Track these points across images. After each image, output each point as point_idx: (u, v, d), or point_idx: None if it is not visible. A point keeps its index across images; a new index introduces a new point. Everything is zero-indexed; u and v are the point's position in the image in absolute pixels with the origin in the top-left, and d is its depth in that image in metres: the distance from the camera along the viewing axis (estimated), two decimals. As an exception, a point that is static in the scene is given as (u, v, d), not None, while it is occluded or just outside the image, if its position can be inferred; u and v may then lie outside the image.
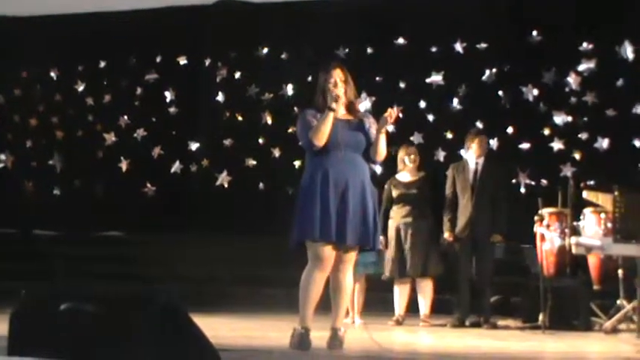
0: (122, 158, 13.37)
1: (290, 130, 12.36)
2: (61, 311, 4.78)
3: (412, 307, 9.28)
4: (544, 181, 11.28)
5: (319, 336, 6.47)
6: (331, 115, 6.35)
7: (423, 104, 12.10)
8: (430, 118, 12.08)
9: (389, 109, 6.40)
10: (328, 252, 6.37)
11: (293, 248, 6.49)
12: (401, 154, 9.52)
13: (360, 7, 12.18)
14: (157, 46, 13.39)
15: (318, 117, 6.43)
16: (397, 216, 9.30)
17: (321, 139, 6.36)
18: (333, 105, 6.36)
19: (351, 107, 6.57)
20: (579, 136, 11.38)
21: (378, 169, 11.11)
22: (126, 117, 13.49)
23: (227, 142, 12.96)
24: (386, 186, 9.46)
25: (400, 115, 11.35)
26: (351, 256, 6.52)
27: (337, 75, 6.50)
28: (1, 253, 12.22)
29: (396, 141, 10.03)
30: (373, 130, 6.53)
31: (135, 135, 13.42)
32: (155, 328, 4.67)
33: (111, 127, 13.52)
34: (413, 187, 9.36)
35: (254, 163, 12.84)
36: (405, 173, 9.46)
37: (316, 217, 6.30)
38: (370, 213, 6.43)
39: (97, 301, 4.79)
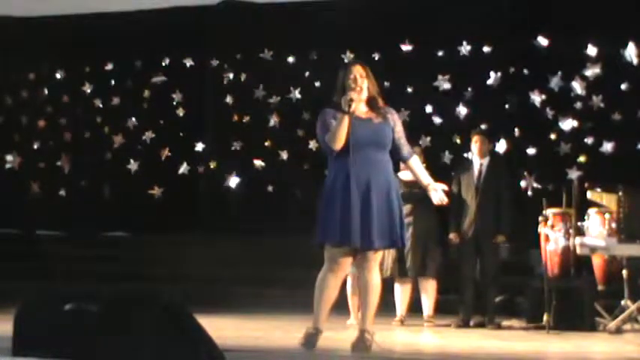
0: (131, 160, 13.42)
1: (298, 133, 12.45)
2: (66, 311, 4.80)
3: (415, 307, 9.28)
4: (550, 186, 11.25)
5: (328, 336, 6.49)
6: (346, 119, 6.16)
7: (429, 108, 12.13)
8: (437, 121, 12.10)
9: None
10: (345, 257, 6.32)
11: (317, 248, 6.38)
12: None
13: (367, 11, 12.20)
14: (164, 48, 13.43)
15: (337, 117, 6.24)
16: (398, 215, 9.21)
17: (337, 143, 6.19)
18: (347, 108, 6.16)
19: (373, 104, 6.40)
20: (585, 140, 11.40)
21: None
22: (134, 119, 13.54)
23: (234, 144, 13.00)
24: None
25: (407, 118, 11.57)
26: (378, 255, 6.39)
27: (357, 71, 6.34)
28: (6, 253, 12.27)
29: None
30: (398, 127, 6.42)
31: (143, 137, 13.47)
32: (159, 329, 4.69)
33: (119, 128, 13.58)
34: (416, 186, 9.24)
35: (261, 165, 12.88)
36: (408, 172, 9.36)
37: (337, 222, 6.17)
38: (396, 211, 6.29)
39: (101, 302, 4.82)
